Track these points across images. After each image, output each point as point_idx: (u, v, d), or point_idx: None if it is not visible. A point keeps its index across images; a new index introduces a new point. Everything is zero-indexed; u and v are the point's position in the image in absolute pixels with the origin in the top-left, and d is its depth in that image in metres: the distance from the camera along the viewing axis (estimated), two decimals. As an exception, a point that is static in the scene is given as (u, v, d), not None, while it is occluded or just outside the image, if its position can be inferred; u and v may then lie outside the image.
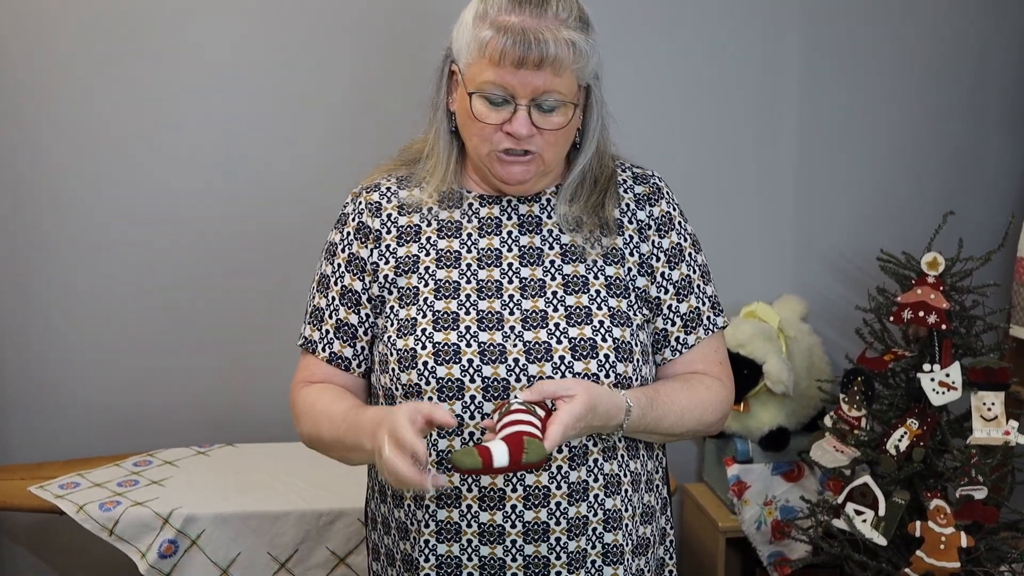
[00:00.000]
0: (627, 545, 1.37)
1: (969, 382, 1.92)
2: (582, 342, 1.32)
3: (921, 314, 1.92)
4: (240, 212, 2.58)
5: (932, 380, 1.92)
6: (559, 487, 1.32)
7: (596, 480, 1.34)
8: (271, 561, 2.17)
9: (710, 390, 1.41)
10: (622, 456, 1.37)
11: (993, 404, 1.90)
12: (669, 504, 1.51)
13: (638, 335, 1.38)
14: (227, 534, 2.15)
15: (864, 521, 1.94)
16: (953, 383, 1.91)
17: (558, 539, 1.32)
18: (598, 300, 1.36)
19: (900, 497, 1.94)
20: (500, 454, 1.12)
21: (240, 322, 2.64)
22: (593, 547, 1.34)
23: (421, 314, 1.35)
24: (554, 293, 1.36)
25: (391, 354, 1.36)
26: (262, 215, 2.58)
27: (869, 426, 2.03)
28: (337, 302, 1.43)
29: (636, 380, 1.35)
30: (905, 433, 1.93)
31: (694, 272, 1.44)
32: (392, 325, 1.38)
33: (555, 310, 1.35)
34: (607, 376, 1.31)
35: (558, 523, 1.32)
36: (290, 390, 1.48)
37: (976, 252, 2.07)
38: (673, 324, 1.42)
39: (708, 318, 1.44)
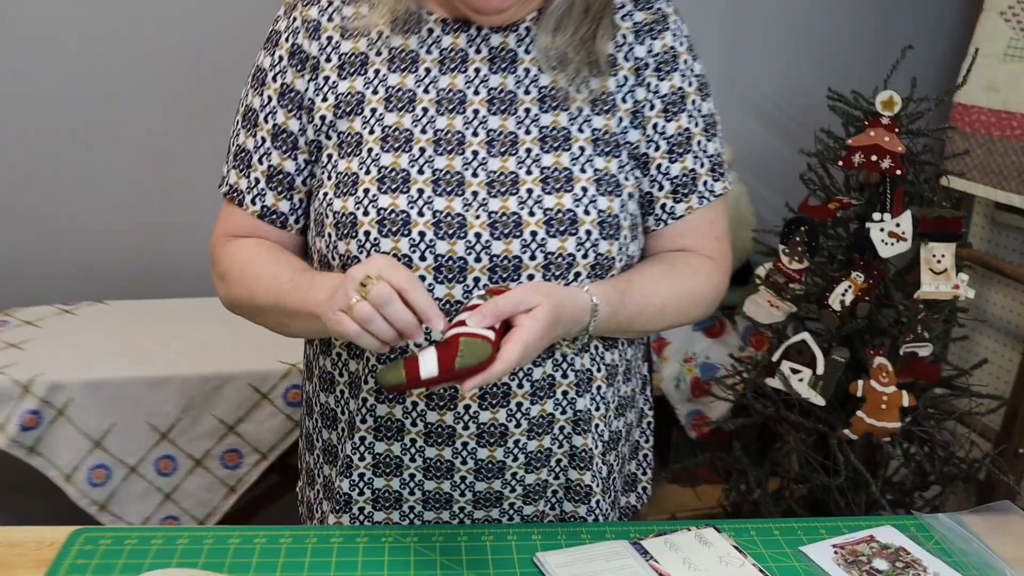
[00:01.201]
0: (596, 448, 1.20)
1: (919, 233, 1.78)
2: (559, 214, 1.09)
3: (874, 158, 1.76)
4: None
5: (881, 230, 1.77)
6: (520, 385, 1.13)
7: (565, 376, 1.15)
8: (150, 431, 1.95)
9: (699, 274, 1.20)
10: (596, 348, 1.18)
11: (943, 256, 1.77)
12: (649, 383, 1.34)
13: (628, 205, 1.14)
14: (98, 403, 1.90)
15: (801, 380, 1.82)
16: (903, 233, 1.76)
17: (517, 441, 1.14)
18: (581, 160, 1.12)
19: (840, 355, 1.81)
20: (428, 363, 0.92)
21: (111, 160, 2.32)
22: (560, 447, 1.18)
23: (364, 169, 1.10)
24: (528, 151, 1.11)
25: (327, 216, 1.11)
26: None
27: (810, 279, 1.89)
28: (269, 144, 1.17)
29: (620, 261, 1.13)
30: (849, 287, 1.79)
31: (695, 125, 1.20)
32: (329, 180, 1.12)
33: (528, 172, 1.10)
34: (585, 257, 1.09)
35: (518, 425, 1.14)
36: (210, 243, 1.22)
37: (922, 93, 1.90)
38: (660, 188, 1.19)
39: (705, 183, 1.21)
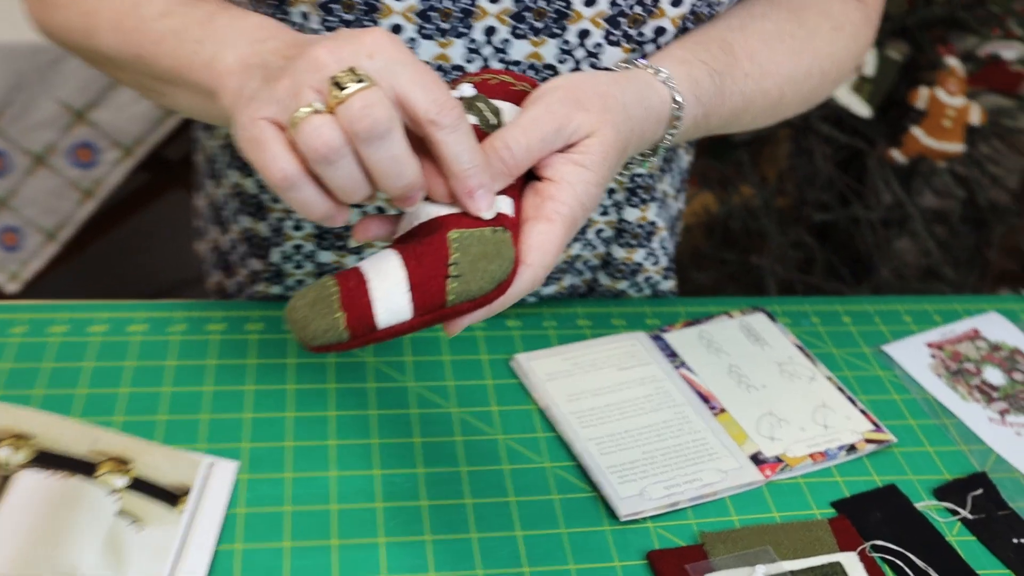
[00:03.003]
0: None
1: None
2: None
3: None
4: None
5: None
6: None
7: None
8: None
9: (840, 32, 0.72)
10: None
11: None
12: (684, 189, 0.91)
13: None
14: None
15: (844, 85, 1.41)
16: None
17: None
18: None
19: (896, 51, 1.40)
20: (392, 296, 0.49)
21: None
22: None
23: None
24: None
25: None
26: None
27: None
28: None
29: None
30: (927, -39, 1.35)
31: None
32: None
33: None
34: None
35: None
36: None
37: None
38: None
39: None
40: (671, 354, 0.80)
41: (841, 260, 1.52)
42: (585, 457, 0.71)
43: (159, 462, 0.66)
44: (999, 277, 1.68)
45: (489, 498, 0.68)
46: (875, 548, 0.67)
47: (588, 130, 0.54)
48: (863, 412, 0.77)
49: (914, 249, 1.48)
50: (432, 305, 0.49)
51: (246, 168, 0.78)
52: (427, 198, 0.52)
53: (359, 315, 0.48)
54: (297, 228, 0.76)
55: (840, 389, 0.79)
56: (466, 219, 0.51)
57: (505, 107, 0.55)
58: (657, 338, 0.82)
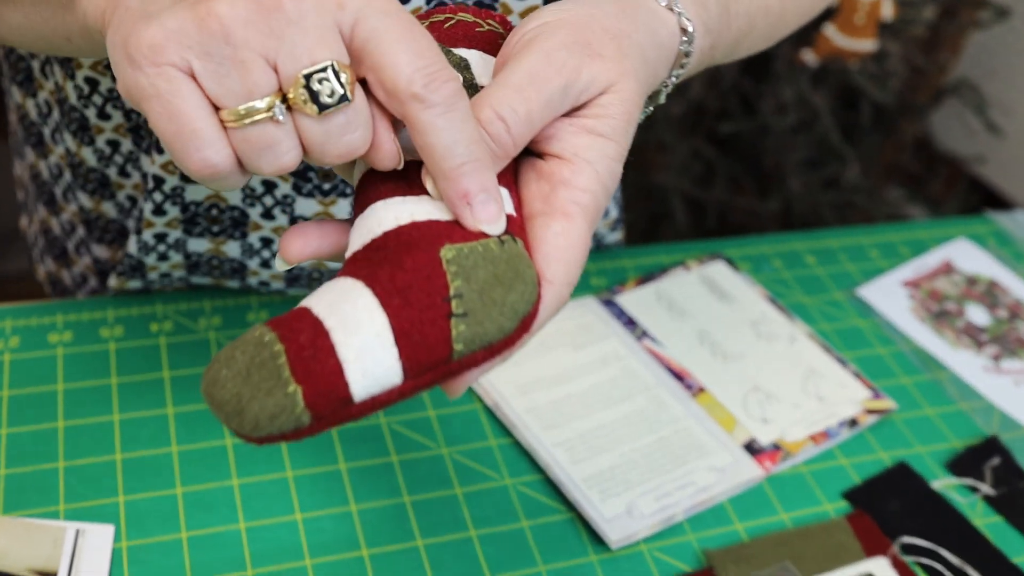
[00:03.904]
0: None
1: None
2: None
3: None
4: None
5: None
6: None
7: None
8: None
9: None
10: None
11: None
12: None
13: None
14: None
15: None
16: None
17: None
18: None
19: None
20: (373, 352, 0.34)
21: None
22: None
23: None
24: None
25: None
26: None
27: None
28: None
29: None
30: None
31: None
32: None
33: None
34: None
35: None
36: None
37: None
38: None
39: None
40: (629, 322, 0.68)
41: (745, 172, 1.43)
42: (554, 468, 0.58)
43: (4, 543, 0.50)
44: (891, 169, 1.63)
45: (445, 535, 0.55)
46: (904, 548, 0.57)
47: (604, 84, 0.39)
48: (856, 376, 0.66)
49: (818, 153, 1.39)
50: (431, 361, 0.34)
51: (85, 133, 0.59)
52: (385, 185, 0.37)
53: (324, 387, 0.33)
54: (159, 212, 0.58)
55: (826, 350, 0.68)
56: (459, 227, 0.36)
57: (473, 57, 0.40)
58: (609, 303, 0.69)
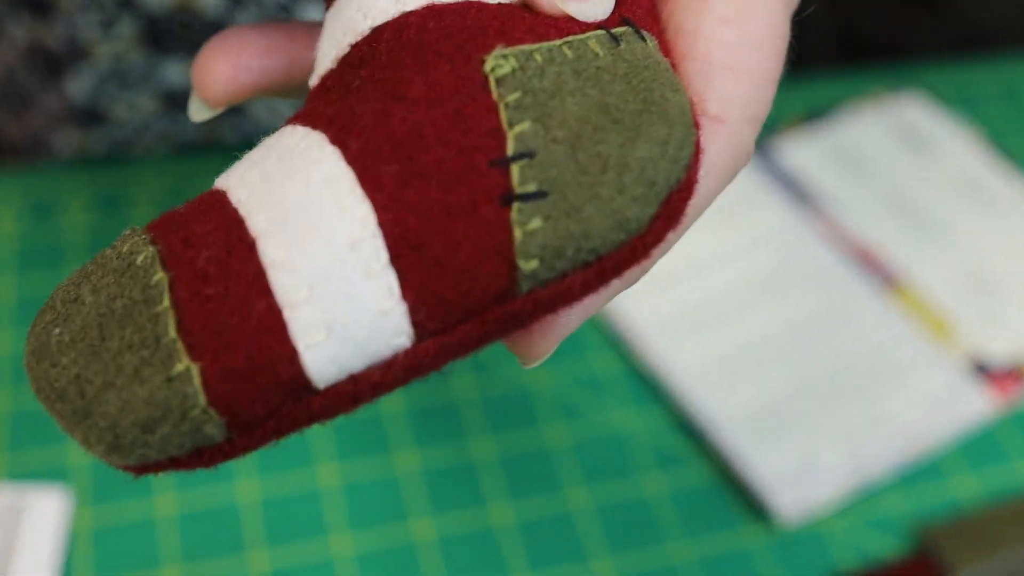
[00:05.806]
0: None
1: None
2: None
3: None
4: None
5: None
6: None
7: None
8: None
9: None
10: None
11: None
12: None
13: None
14: None
15: None
16: None
17: None
18: None
19: None
20: (328, 293, 0.15)
21: None
22: None
23: None
24: None
25: None
26: None
27: None
28: None
29: None
30: None
31: None
32: None
33: None
34: None
35: None
36: None
37: None
38: None
39: None
40: (791, 183, 0.48)
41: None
42: (690, 405, 0.40)
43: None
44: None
45: (535, 497, 0.38)
46: None
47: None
48: None
49: None
50: (474, 299, 0.16)
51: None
52: None
53: (249, 361, 0.16)
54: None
55: None
56: (521, 13, 0.17)
57: None
58: (762, 156, 0.50)
